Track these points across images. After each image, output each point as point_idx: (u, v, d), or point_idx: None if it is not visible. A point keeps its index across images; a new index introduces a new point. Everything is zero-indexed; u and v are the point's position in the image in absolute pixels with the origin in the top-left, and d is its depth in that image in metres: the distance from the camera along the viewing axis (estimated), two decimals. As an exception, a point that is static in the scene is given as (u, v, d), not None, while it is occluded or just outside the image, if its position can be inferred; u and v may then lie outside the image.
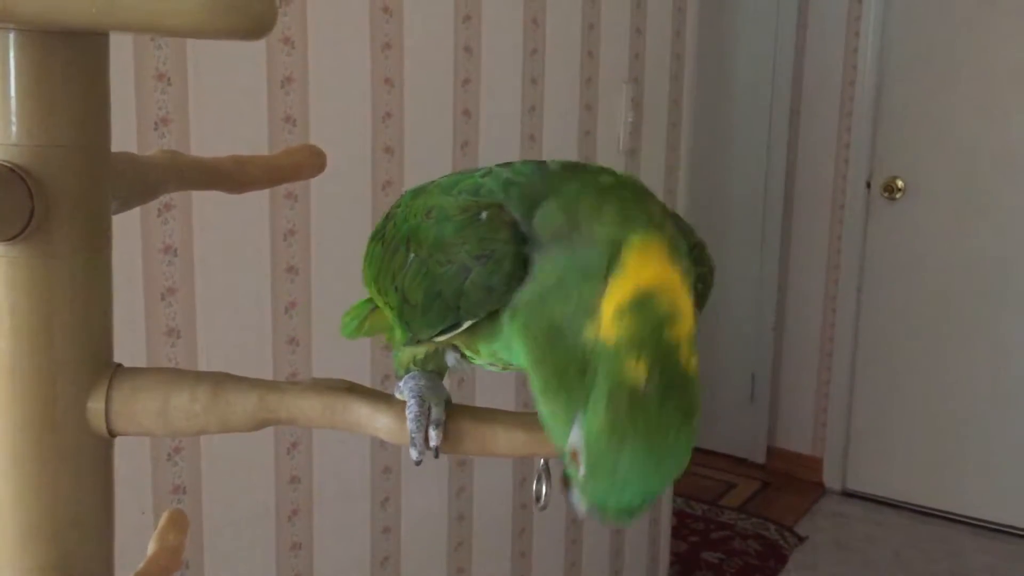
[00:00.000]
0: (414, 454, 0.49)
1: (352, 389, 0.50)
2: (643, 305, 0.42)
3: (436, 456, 0.50)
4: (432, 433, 0.49)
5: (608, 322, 0.42)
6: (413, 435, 0.49)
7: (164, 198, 1.34)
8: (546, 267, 0.45)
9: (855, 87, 3.60)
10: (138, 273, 1.33)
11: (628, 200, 0.46)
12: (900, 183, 3.56)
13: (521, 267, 0.45)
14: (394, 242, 0.53)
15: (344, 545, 1.72)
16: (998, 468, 3.48)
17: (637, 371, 0.41)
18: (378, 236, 0.58)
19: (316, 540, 1.65)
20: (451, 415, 0.51)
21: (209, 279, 1.42)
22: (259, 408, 0.49)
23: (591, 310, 0.43)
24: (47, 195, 0.44)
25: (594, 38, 2.16)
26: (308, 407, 0.49)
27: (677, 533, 3.27)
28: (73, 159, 0.45)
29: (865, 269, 3.67)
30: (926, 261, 3.54)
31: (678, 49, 2.48)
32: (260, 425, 0.50)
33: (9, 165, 0.43)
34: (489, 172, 0.51)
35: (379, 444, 1.76)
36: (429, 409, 0.50)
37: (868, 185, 3.62)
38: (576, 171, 0.50)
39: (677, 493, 3.43)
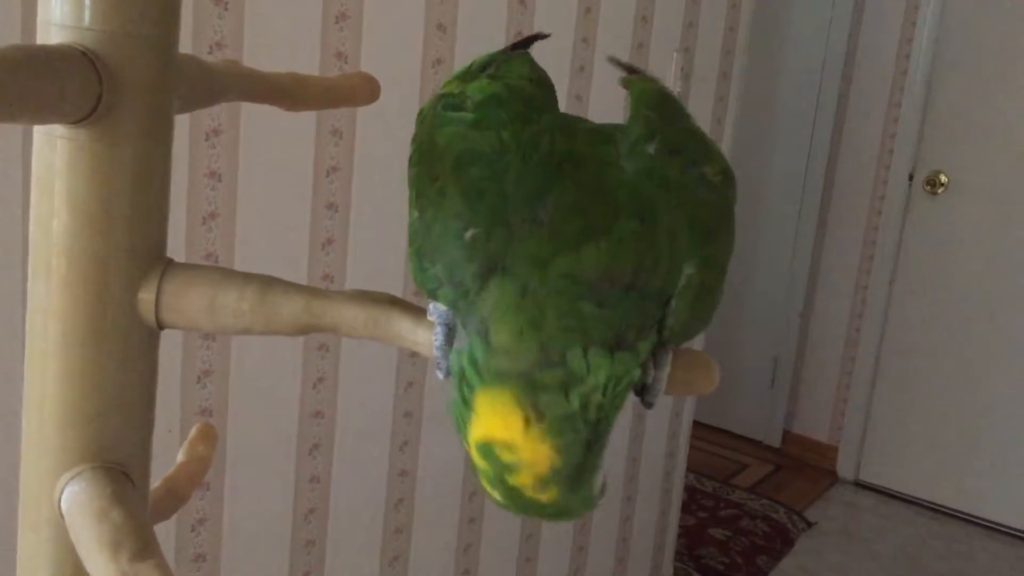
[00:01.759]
0: (441, 375, 0.50)
1: (395, 302, 0.51)
2: (486, 454, 0.46)
3: None
4: (451, 359, 0.50)
5: (469, 445, 0.47)
6: (439, 360, 0.50)
7: (213, 123, 1.35)
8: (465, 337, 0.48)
9: (906, 77, 3.55)
10: (183, 195, 1.34)
11: (540, 307, 0.45)
12: (943, 178, 3.51)
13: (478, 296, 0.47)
14: (418, 178, 0.53)
15: (360, 483, 1.75)
16: (1015, 471, 3.46)
17: (496, 497, 0.47)
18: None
19: (334, 475, 1.68)
20: None
21: (250, 208, 1.43)
22: (304, 312, 0.50)
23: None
24: (115, 82, 0.45)
25: (649, 3, 2.14)
26: (351, 316, 0.50)
27: (687, 508, 3.28)
28: (143, 49, 0.46)
29: (899, 262, 3.64)
30: (961, 259, 3.50)
31: (732, 22, 2.45)
32: (303, 330, 0.50)
33: (81, 48, 0.44)
34: (505, 160, 0.49)
35: (403, 388, 1.77)
36: (454, 333, 0.50)
37: (911, 178, 3.58)
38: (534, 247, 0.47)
39: (690, 469, 3.44)
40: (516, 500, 0.46)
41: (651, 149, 0.49)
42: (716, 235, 0.48)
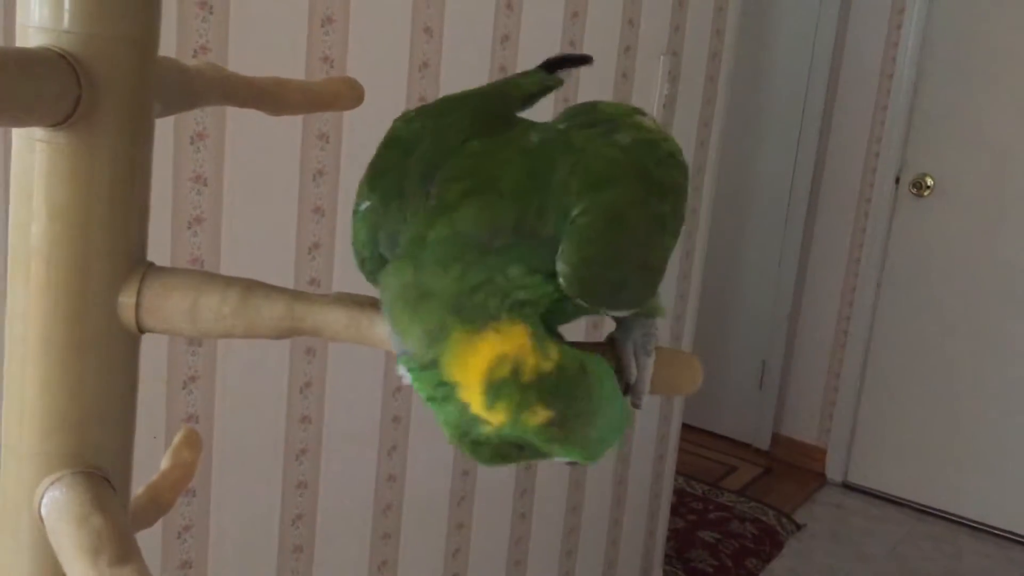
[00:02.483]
0: (402, 372, 0.50)
1: (377, 305, 0.51)
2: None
3: None
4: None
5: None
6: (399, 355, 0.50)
7: (198, 127, 1.35)
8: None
9: (892, 80, 3.56)
10: (168, 200, 1.34)
11: (420, 271, 0.46)
12: (929, 181, 3.53)
13: (378, 268, 0.50)
14: None
15: (349, 489, 1.74)
16: (1002, 472, 3.47)
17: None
18: None
19: (322, 481, 1.67)
20: None
21: (236, 212, 1.43)
22: (286, 315, 0.49)
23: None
24: (94, 84, 0.45)
25: (635, 7, 2.14)
26: (334, 319, 0.50)
27: (676, 510, 3.29)
28: (122, 51, 0.45)
29: (886, 265, 3.65)
30: (949, 261, 3.52)
31: (719, 25, 2.45)
32: (286, 333, 0.50)
33: (59, 51, 0.44)
34: (417, 144, 0.50)
35: (390, 392, 1.77)
36: None
37: (897, 181, 3.60)
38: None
39: (679, 471, 3.44)
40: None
41: (562, 126, 0.51)
42: (612, 184, 0.47)
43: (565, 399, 0.44)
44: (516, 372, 0.44)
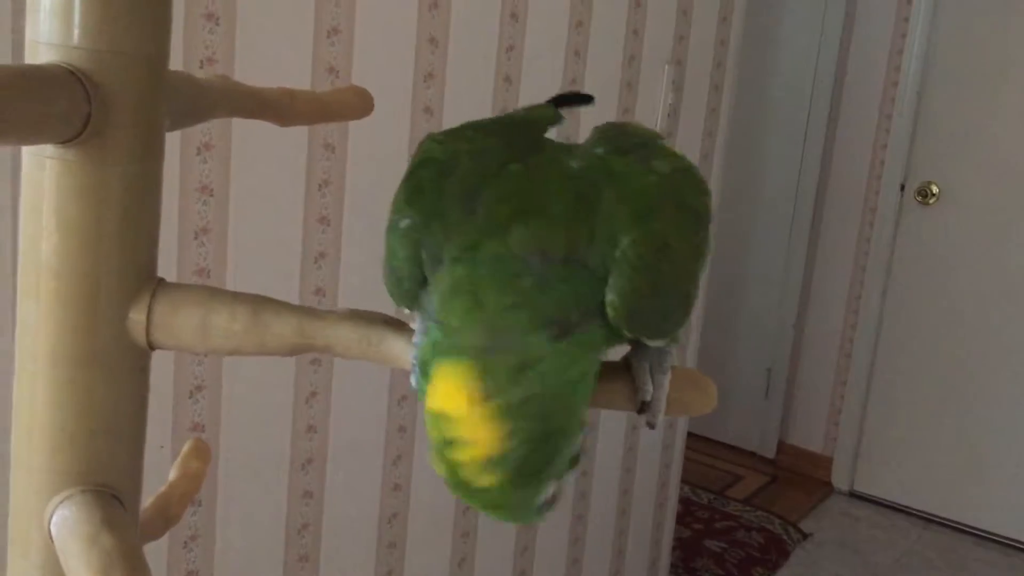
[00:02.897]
0: (414, 382, 0.50)
1: (389, 322, 0.51)
2: (435, 425, 0.46)
3: None
4: (417, 355, 0.50)
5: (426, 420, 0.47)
6: (413, 362, 0.50)
7: (204, 138, 1.35)
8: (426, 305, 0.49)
9: (897, 88, 3.56)
10: (174, 210, 1.34)
11: (477, 289, 0.46)
12: (935, 188, 3.52)
13: (417, 286, 0.49)
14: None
15: (354, 498, 1.74)
16: (1010, 481, 3.46)
17: (439, 471, 0.47)
18: None
19: (327, 490, 1.67)
20: None
21: (242, 222, 1.43)
22: (296, 333, 0.49)
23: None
24: (105, 101, 0.44)
25: (640, 16, 2.14)
26: (344, 336, 0.50)
27: (681, 519, 3.27)
28: (132, 67, 0.45)
29: (892, 272, 3.65)
30: (954, 269, 3.51)
31: (723, 35, 2.45)
32: (296, 350, 0.50)
33: (69, 68, 0.44)
34: (455, 163, 0.50)
35: (396, 402, 1.77)
36: None
37: (902, 188, 3.59)
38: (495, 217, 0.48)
39: (684, 480, 3.43)
40: (453, 476, 0.46)
41: (599, 151, 0.51)
42: (657, 213, 0.47)
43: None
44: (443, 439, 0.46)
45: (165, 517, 0.64)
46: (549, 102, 0.61)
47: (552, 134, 0.57)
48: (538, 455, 0.46)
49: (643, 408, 0.51)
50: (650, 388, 0.50)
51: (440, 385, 0.46)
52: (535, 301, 0.45)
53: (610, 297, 0.46)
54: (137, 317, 0.48)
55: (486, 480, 0.46)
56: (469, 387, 0.45)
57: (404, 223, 0.49)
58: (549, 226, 0.46)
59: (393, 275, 0.50)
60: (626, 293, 0.46)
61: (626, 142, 0.52)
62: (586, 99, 0.64)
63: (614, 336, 0.48)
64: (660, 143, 0.53)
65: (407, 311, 0.51)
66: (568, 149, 0.52)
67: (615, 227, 0.47)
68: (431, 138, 0.53)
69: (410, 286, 0.49)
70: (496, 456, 0.45)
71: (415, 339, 0.50)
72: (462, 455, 0.45)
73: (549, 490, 0.48)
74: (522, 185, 0.48)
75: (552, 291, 0.45)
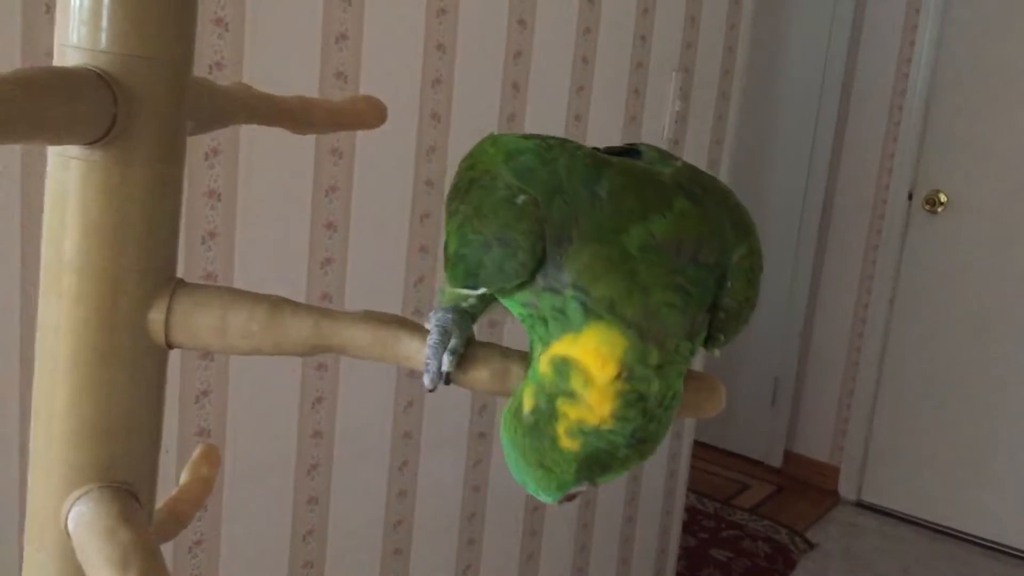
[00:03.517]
0: (427, 381, 0.50)
1: (403, 323, 0.51)
2: (565, 371, 0.46)
3: (447, 383, 0.51)
4: (446, 358, 0.50)
5: (547, 356, 0.47)
6: (428, 361, 0.50)
7: (212, 143, 1.36)
8: (546, 279, 0.48)
9: (905, 96, 3.57)
10: (181, 214, 1.34)
11: (635, 273, 0.47)
12: (943, 197, 3.52)
13: (535, 260, 0.48)
14: (459, 184, 0.54)
15: (360, 504, 1.74)
16: (1018, 491, 3.45)
17: (526, 405, 0.48)
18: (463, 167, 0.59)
19: (333, 496, 1.67)
20: (473, 351, 0.52)
21: (250, 227, 1.43)
22: (313, 334, 0.50)
23: (545, 339, 0.48)
24: (130, 104, 0.45)
25: (648, 23, 2.15)
26: (360, 336, 0.50)
27: (687, 528, 3.27)
28: (158, 71, 0.46)
29: (899, 281, 3.64)
30: (962, 278, 3.51)
31: (731, 42, 2.46)
32: (312, 351, 0.50)
33: (97, 71, 0.44)
34: (553, 153, 0.51)
35: (402, 407, 1.77)
36: (449, 339, 0.51)
37: (910, 197, 3.59)
38: (631, 201, 0.49)
39: (690, 489, 3.43)
40: (541, 420, 0.47)
41: (678, 164, 0.53)
42: (754, 231, 0.51)
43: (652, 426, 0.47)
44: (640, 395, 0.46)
45: (176, 520, 0.65)
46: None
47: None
48: (628, 448, 0.47)
49: None
50: None
51: (594, 340, 0.46)
52: (688, 305, 0.47)
53: (727, 302, 0.49)
54: (156, 316, 0.49)
55: (570, 442, 0.46)
56: (623, 359, 0.46)
57: (522, 199, 0.48)
58: (680, 220, 0.48)
59: (501, 247, 0.48)
60: (741, 300, 0.49)
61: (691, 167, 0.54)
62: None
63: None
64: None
65: (441, 317, 0.51)
66: (643, 156, 0.55)
67: (727, 236, 0.49)
68: (506, 136, 0.54)
69: (526, 258, 0.48)
70: (598, 429, 0.46)
71: (429, 340, 0.50)
72: (571, 410, 0.46)
73: (583, 487, 0.48)
74: (635, 180, 0.49)
75: (694, 290, 0.47)
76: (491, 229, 0.49)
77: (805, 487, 3.86)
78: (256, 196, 1.43)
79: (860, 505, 3.77)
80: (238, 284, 1.44)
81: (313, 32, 1.46)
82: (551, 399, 0.46)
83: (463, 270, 0.50)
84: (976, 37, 3.43)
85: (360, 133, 1.56)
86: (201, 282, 1.38)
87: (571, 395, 0.46)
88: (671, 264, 0.47)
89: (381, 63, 1.57)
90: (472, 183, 0.52)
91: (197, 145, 1.35)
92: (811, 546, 3.38)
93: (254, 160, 1.41)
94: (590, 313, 0.46)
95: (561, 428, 0.46)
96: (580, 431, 0.46)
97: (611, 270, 0.46)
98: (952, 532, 3.57)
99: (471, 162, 0.54)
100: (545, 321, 0.48)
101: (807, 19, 3.82)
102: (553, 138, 0.53)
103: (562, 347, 0.46)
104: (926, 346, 3.60)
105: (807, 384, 3.91)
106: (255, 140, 1.40)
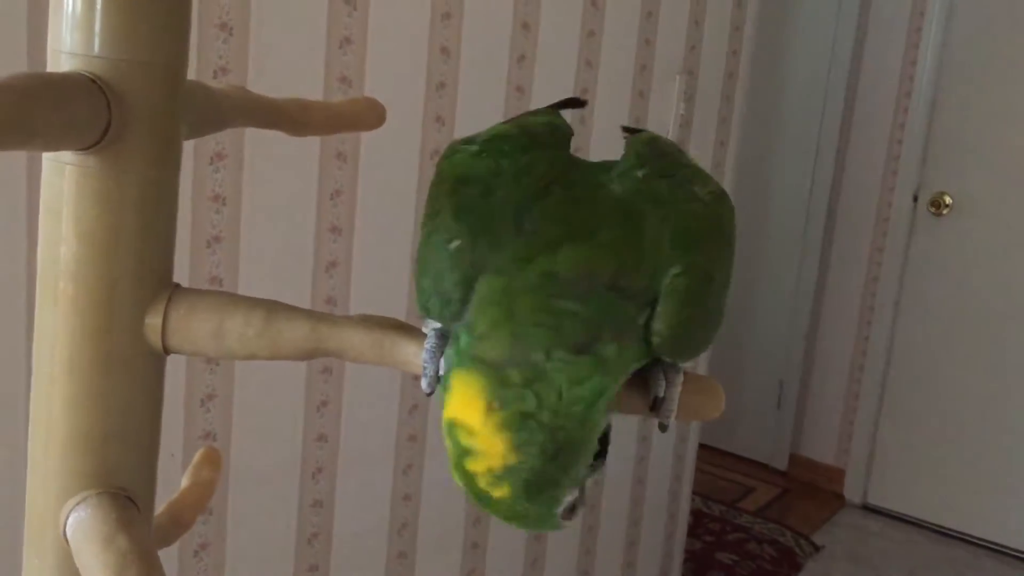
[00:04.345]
0: (424, 385, 0.50)
1: (400, 327, 0.51)
2: (450, 433, 0.47)
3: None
4: (442, 363, 0.50)
5: (443, 429, 0.48)
6: (425, 365, 0.50)
7: (217, 147, 1.36)
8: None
9: (910, 99, 3.56)
10: (187, 219, 1.35)
11: (514, 305, 0.46)
12: (948, 199, 3.52)
13: (463, 306, 0.48)
14: (427, 203, 0.54)
15: (364, 508, 1.74)
16: None
17: (455, 477, 0.48)
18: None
19: (338, 500, 1.67)
20: None
21: (255, 231, 1.44)
22: (309, 337, 0.50)
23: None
24: (124, 109, 0.45)
25: (651, 26, 2.15)
26: (357, 340, 0.50)
27: (693, 532, 3.26)
28: (151, 76, 0.46)
29: (905, 283, 3.64)
30: (968, 280, 3.50)
31: (735, 45, 2.46)
32: (309, 355, 0.50)
33: (90, 76, 0.44)
34: (499, 181, 0.51)
35: (407, 411, 1.77)
36: (446, 343, 0.51)
37: (915, 199, 3.58)
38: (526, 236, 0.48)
39: (695, 492, 3.42)
40: (470, 486, 0.47)
41: (640, 174, 0.51)
42: (703, 243, 0.49)
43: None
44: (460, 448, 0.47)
45: (177, 524, 0.65)
46: (551, 109, 0.61)
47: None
48: (553, 468, 0.46)
49: (655, 407, 0.51)
50: (663, 383, 0.51)
51: (456, 393, 0.46)
52: (565, 324, 0.46)
53: (657, 326, 0.47)
54: (153, 322, 0.49)
55: (500, 491, 0.46)
56: (483, 397, 0.45)
57: (454, 244, 0.48)
58: (599, 250, 0.47)
59: (438, 296, 0.49)
60: (674, 324, 0.47)
61: (664, 163, 0.52)
62: (579, 103, 0.65)
63: (644, 356, 0.49)
64: (689, 159, 0.54)
65: (435, 324, 0.51)
66: (606, 168, 0.53)
67: (662, 257, 0.48)
68: (463, 152, 0.53)
69: (458, 308, 0.48)
70: (508, 467, 0.46)
71: (426, 344, 0.50)
72: (476, 465, 0.46)
73: (567, 499, 0.48)
74: (570, 207, 0.49)
75: (587, 312, 0.46)
76: (429, 275, 0.49)
77: (811, 490, 3.85)
78: (261, 200, 1.44)
79: (866, 508, 3.76)
80: (243, 288, 1.44)
81: (317, 36, 1.47)
82: (460, 466, 0.47)
83: (420, 304, 0.51)
84: (981, 39, 3.42)
85: (365, 137, 1.56)
86: (206, 287, 1.39)
87: (468, 453, 0.46)
88: (563, 292, 0.46)
89: (385, 67, 1.57)
90: (427, 211, 0.52)
91: (202, 149, 1.35)
92: (817, 549, 3.37)
93: (259, 164, 1.42)
94: (454, 363, 0.47)
95: (484, 485, 0.46)
96: (497, 478, 0.46)
97: (492, 302, 0.46)
98: (958, 535, 3.56)
99: (435, 180, 0.53)
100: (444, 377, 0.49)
101: (811, 21, 3.81)
102: (512, 150, 0.52)
103: (445, 411, 0.47)
104: (932, 348, 3.59)
105: (812, 387, 3.90)
106: (260, 144, 1.40)
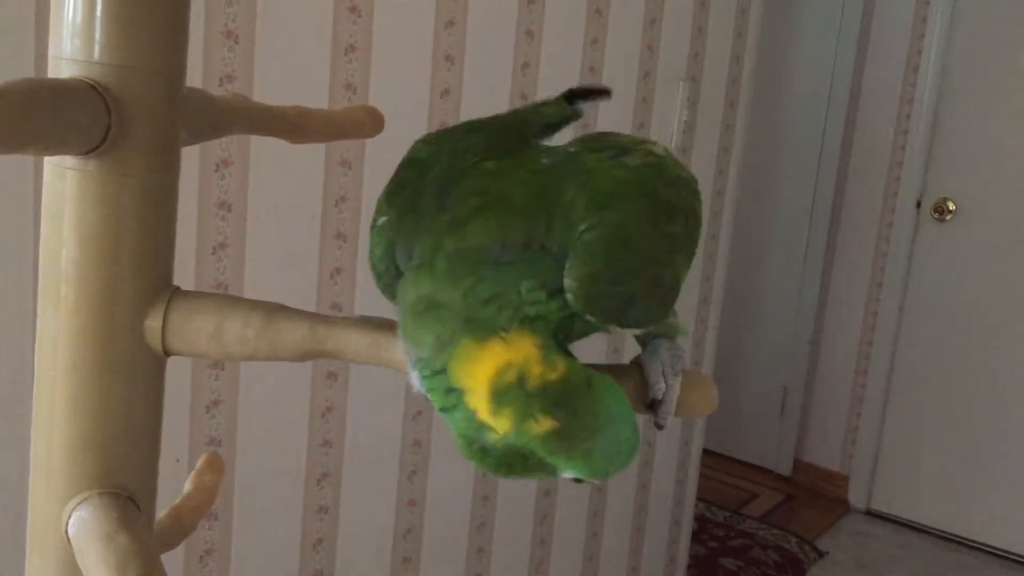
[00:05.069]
0: (414, 382, 0.51)
1: (398, 328, 0.52)
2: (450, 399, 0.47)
3: None
4: None
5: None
6: (410, 367, 0.51)
7: (223, 154, 1.37)
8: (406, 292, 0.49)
9: (913, 105, 3.56)
10: (192, 225, 1.36)
11: (440, 282, 0.47)
12: (951, 205, 3.51)
13: (392, 280, 0.52)
14: None
15: (369, 513, 1.74)
16: (1029, 501, 3.43)
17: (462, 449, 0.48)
18: None
19: (343, 505, 1.68)
20: None
21: (260, 238, 1.44)
22: (308, 338, 0.50)
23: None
24: (124, 114, 0.46)
25: (655, 33, 2.16)
26: (355, 341, 0.51)
27: (697, 537, 3.26)
28: (151, 82, 0.47)
29: (908, 289, 3.63)
30: (971, 286, 3.49)
31: (738, 51, 2.47)
32: (308, 355, 0.51)
33: (90, 82, 0.45)
34: (434, 161, 0.52)
35: (411, 416, 1.77)
36: None
37: (918, 205, 3.58)
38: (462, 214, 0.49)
39: (699, 498, 3.42)
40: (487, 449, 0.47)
41: (572, 149, 0.52)
42: (619, 203, 0.48)
43: (569, 411, 0.45)
44: (521, 380, 0.45)
45: (180, 528, 0.65)
46: (565, 96, 0.61)
47: (569, 131, 0.58)
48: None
49: (652, 406, 0.52)
50: (662, 386, 0.51)
51: (462, 358, 0.46)
52: (487, 291, 0.46)
53: (567, 281, 0.47)
54: (153, 324, 0.50)
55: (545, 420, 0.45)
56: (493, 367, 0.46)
57: (380, 221, 0.52)
58: (507, 215, 0.48)
59: (373, 271, 0.52)
60: (581, 278, 0.47)
61: (604, 143, 0.53)
62: (603, 92, 0.63)
63: (583, 324, 0.48)
64: (644, 146, 0.53)
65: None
66: (549, 150, 0.54)
67: (573, 216, 0.48)
68: (422, 139, 0.55)
69: (387, 280, 0.51)
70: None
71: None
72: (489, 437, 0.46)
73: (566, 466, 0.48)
74: (490, 182, 0.50)
75: (510, 279, 0.47)
76: (370, 254, 0.53)
77: (815, 496, 3.85)
78: (266, 207, 1.45)
79: (870, 513, 3.75)
80: (248, 294, 1.45)
81: (323, 44, 1.48)
82: (472, 431, 0.46)
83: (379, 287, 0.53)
84: (983, 45, 3.42)
85: (369, 144, 1.57)
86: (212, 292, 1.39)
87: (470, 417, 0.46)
88: (481, 259, 0.47)
89: (390, 74, 1.58)
90: None
91: (208, 157, 1.36)
92: (821, 555, 3.37)
93: (264, 171, 1.43)
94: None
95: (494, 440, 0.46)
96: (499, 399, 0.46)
97: (414, 285, 0.48)
98: (962, 540, 3.55)
99: None
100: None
101: (814, 28, 3.82)
102: (460, 134, 0.54)
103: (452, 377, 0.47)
104: (935, 354, 3.59)
105: (816, 392, 3.90)
106: (265, 151, 1.41)
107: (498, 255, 0.47)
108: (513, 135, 0.55)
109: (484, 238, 0.47)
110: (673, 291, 0.50)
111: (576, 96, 0.61)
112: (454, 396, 0.46)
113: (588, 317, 0.48)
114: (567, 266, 0.47)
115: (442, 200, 0.49)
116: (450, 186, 0.50)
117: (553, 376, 0.45)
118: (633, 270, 0.48)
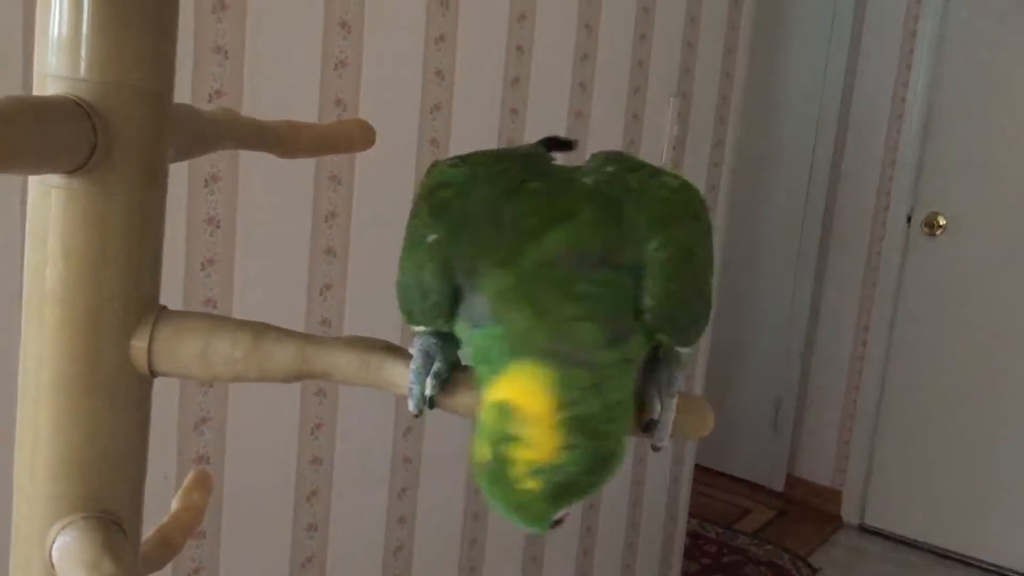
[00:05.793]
0: (411, 406, 0.50)
1: (389, 348, 0.51)
2: (501, 417, 0.46)
3: (431, 407, 0.51)
4: (428, 382, 0.50)
5: (484, 403, 0.47)
6: (411, 386, 0.50)
7: (212, 169, 1.36)
8: (471, 317, 0.49)
9: (903, 120, 3.58)
10: (181, 242, 1.35)
11: (535, 294, 0.47)
12: (942, 220, 3.52)
13: (447, 299, 0.49)
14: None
15: (359, 530, 1.73)
16: (1022, 514, 3.43)
17: (478, 456, 0.47)
18: None
19: (332, 523, 1.66)
20: (459, 375, 0.52)
21: (249, 254, 1.44)
22: (296, 358, 0.50)
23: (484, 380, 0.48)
24: (110, 132, 0.45)
25: (645, 49, 2.16)
26: (344, 362, 0.50)
27: (689, 554, 3.25)
28: (137, 99, 0.46)
29: (900, 303, 3.64)
30: (963, 300, 3.50)
31: (728, 67, 2.47)
32: (296, 376, 0.50)
33: (76, 99, 0.44)
34: (475, 183, 0.52)
35: (401, 433, 1.76)
36: (432, 363, 0.51)
37: (909, 219, 3.59)
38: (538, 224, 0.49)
39: (692, 514, 3.41)
40: (498, 470, 0.46)
41: (610, 168, 0.53)
42: (676, 221, 0.50)
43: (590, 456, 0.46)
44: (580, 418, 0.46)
45: (167, 547, 0.64)
46: (539, 144, 0.63)
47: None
48: (588, 474, 0.46)
49: (648, 428, 0.51)
50: (659, 407, 0.51)
51: (519, 381, 0.46)
52: (596, 309, 0.46)
53: (646, 301, 0.48)
54: (139, 344, 0.49)
55: (530, 483, 0.46)
56: (551, 392, 0.45)
57: (431, 238, 0.50)
58: (582, 229, 0.48)
59: (418, 290, 0.50)
60: (660, 295, 0.48)
61: (630, 161, 0.54)
62: (568, 145, 0.66)
63: (645, 344, 0.49)
64: (656, 167, 0.55)
65: (421, 328, 0.52)
66: (579, 170, 0.54)
67: (640, 232, 0.49)
68: (441, 164, 0.54)
69: (438, 299, 0.49)
70: (551, 465, 0.45)
71: (412, 364, 0.50)
72: (519, 453, 0.46)
73: (564, 512, 0.48)
74: (545, 198, 0.50)
75: (604, 294, 0.47)
76: (409, 271, 0.50)
77: (807, 511, 3.84)
78: (255, 223, 1.44)
79: (863, 529, 3.75)
80: (237, 310, 1.44)
81: (313, 59, 1.47)
82: (498, 447, 0.46)
83: (403, 310, 0.51)
84: (974, 60, 3.44)
85: (359, 159, 1.56)
86: (200, 309, 1.39)
87: (516, 439, 0.46)
88: (569, 275, 0.47)
89: (380, 90, 1.58)
90: (408, 223, 0.53)
91: (197, 172, 1.35)
92: (814, 571, 3.36)
93: (253, 187, 1.42)
94: (508, 351, 0.46)
95: (517, 473, 0.46)
96: (535, 472, 0.46)
97: (515, 297, 0.47)
98: (956, 556, 3.54)
99: (416, 195, 0.55)
100: (480, 362, 0.48)
101: (805, 43, 3.83)
102: (487, 160, 0.54)
103: (496, 392, 0.46)
104: (927, 369, 3.59)
105: (808, 407, 3.90)
106: (254, 167, 1.41)
107: (577, 268, 0.47)
108: (535, 162, 0.56)
109: (564, 250, 0.47)
110: (712, 306, 0.53)
111: (550, 145, 0.63)
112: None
113: (660, 336, 0.49)
114: (645, 284, 0.48)
115: (496, 218, 0.49)
116: (500, 204, 0.50)
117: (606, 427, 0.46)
118: (698, 288, 0.50)
